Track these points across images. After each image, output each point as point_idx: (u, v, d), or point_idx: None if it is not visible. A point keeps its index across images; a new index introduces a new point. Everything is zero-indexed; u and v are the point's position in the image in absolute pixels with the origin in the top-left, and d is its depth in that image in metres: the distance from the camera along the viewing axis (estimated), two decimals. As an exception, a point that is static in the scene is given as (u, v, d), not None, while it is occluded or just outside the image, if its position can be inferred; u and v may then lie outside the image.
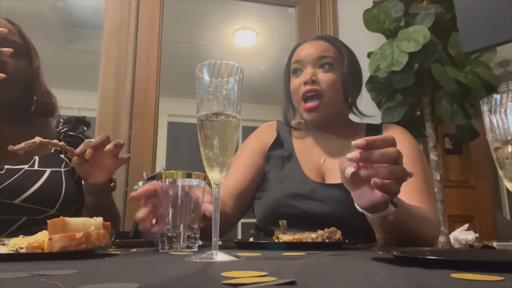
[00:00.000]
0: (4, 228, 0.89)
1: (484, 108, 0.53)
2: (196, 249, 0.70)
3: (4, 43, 0.94)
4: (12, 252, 0.51)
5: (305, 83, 1.03)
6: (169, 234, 0.70)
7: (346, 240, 0.80)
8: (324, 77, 1.04)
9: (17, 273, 0.35)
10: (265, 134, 1.18)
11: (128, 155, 0.97)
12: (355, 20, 2.15)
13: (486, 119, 0.53)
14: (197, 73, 0.56)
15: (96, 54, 2.17)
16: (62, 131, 1.08)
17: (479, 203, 2.34)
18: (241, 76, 0.57)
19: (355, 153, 0.64)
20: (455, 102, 1.94)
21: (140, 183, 1.91)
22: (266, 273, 0.35)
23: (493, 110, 0.52)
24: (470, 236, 1.04)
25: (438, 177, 1.94)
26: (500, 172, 0.52)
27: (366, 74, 1.96)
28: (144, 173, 1.92)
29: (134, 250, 0.72)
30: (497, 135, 0.51)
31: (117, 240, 0.79)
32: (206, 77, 0.55)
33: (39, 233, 0.55)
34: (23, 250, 0.51)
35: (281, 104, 1.18)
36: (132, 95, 1.99)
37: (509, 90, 0.57)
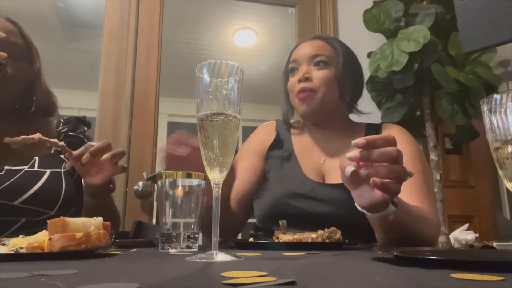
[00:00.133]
0: (3, 229, 0.88)
1: (484, 108, 0.53)
2: (196, 249, 0.70)
3: (5, 45, 0.94)
4: (12, 252, 0.51)
5: (299, 80, 1.05)
6: (169, 234, 0.70)
7: (346, 240, 0.80)
8: (318, 74, 1.05)
9: (17, 273, 0.35)
10: (265, 134, 1.18)
11: (125, 165, 0.96)
12: (355, 20, 2.15)
13: (486, 119, 0.53)
14: (197, 73, 0.56)
15: (96, 54, 2.17)
16: (62, 131, 1.07)
17: (479, 203, 2.34)
18: (241, 76, 0.57)
19: (355, 152, 0.64)
20: (455, 102, 1.94)
21: (140, 183, 1.92)
22: (266, 273, 0.35)
23: (493, 110, 0.52)
24: (470, 236, 1.04)
25: (438, 177, 1.94)
26: (500, 172, 0.52)
27: (366, 74, 1.96)
28: (144, 173, 1.92)
29: (134, 250, 0.72)
30: (497, 135, 0.51)
31: (117, 240, 0.79)
32: (206, 77, 0.55)
33: (39, 233, 0.55)
34: (23, 250, 0.51)
35: (281, 104, 1.19)
36: (132, 95, 1.99)
37: (509, 90, 0.57)
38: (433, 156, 1.97)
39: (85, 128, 1.12)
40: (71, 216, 0.95)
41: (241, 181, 1.09)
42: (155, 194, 1.86)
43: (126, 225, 1.78)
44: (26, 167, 0.95)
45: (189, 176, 0.74)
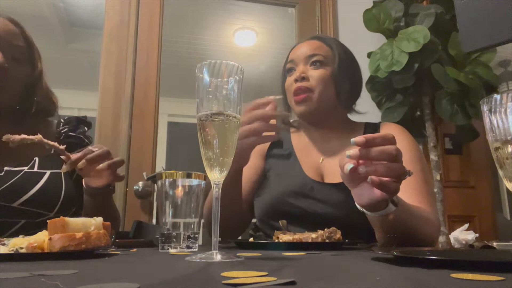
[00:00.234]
0: (2, 231, 0.88)
1: (484, 108, 0.53)
2: (196, 249, 0.70)
3: (7, 48, 0.94)
4: (12, 252, 0.51)
5: (296, 80, 1.06)
6: (169, 234, 0.70)
7: (346, 240, 0.80)
8: (314, 73, 1.06)
9: (17, 273, 0.35)
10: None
11: (123, 174, 0.95)
12: (355, 20, 2.15)
13: (486, 119, 0.53)
14: (197, 73, 0.56)
15: (96, 54, 2.17)
16: (62, 131, 1.07)
17: (479, 203, 2.34)
18: (241, 76, 0.57)
19: (354, 150, 0.64)
20: (455, 102, 1.94)
21: (140, 183, 1.92)
22: (266, 273, 0.35)
23: (493, 110, 0.52)
24: (470, 236, 1.04)
25: (438, 177, 1.94)
26: (500, 172, 0.52)
27: (366, 74, 1.96)
28: (144, 173, 1.92)
29: (134, 250, 0.72)
30: (497, 135, 0.51)
31: (117, 240, 0.79)
32: (206, 77, 0.55)
33: (39, 233, 0.55)
34: (23, 250, 0.51)
35: (280, 105, 1.19)
36: (132, 95, 1.99)
37: (509, 90, 0.57)
38: (433, 156, 1.97)
39: (86, 128, 1.11)
40: (71, 217, 0.95)
41: (244, 181, 1.09)
42: (155, 194, 1.86)
43: (126, 225, 1.78)
44: (26, 168, 0.94)
45: (189, 176, 0.74)
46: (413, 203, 0.85)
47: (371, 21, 2.03)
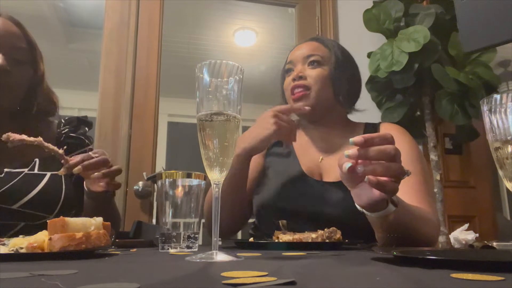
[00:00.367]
0: (2, 233, 0.87)
1: (484, 108, 0.53)
2: (196, 249, 0.70)
3: (9, 50, 0.93)
4: (12, 252, 0.51)
5: (294, 79, 1.07)
6: (169, 234, 0.70)
7: (346, 240, 0.80)
8: (312, 72, 1.07)
9: (17, 273, 0.35)
10: None
11: (119, 182, 0.94)
12: (355, 20, 2.15)
13: (486, 119, 0.53)
14: (197, 73, 0.56)
15: (96, 54, 2.17)
16: (63, 132, 1.07)
17: (479, 203, 2.34)
18: (241, 76, 0.57)
19: (353, 150, 0.64)
20: (455, 102, 1.94)
21: (140, 183, 1.92)
22: (266, 273, 0.35)
23: (493, 110, 0.52)
24: (470, 236, 1.04)
25: (438, 177, 1.94)
26: (500, 172, 0.53)
27: (366, 74, 1.96)
28: (144, 173, 1.92)
29: (134, 250, 0.72)
30: (497, 135, 0.51)
31: (117, 240, 0.79)
32: (206, 77, 0.56)
33: (39, 233, 0.55)
34: (23, 250, 0.51)
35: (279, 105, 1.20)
36: (132, 95, 1.99)
37: (509, 90, 0.57)
38: (433, 156, 1.97)
39: (86, 128, 1.11)
40: (71, 217, 0.95)
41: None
42: (155, 194, 1.86)
43: (126, 225, 1.78)
44: (26, 170, 0.94)
45: (189, 176, 0.74)
46: (413, 203, 0.85)
47: (371, 21, 2.03)
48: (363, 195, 0.67)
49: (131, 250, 0.72)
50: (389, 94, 2.07)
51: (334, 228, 0.79)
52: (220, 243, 0.86)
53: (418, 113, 2.11)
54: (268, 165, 1.13)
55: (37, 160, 0.97)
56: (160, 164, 3.19)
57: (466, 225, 1.09)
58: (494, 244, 0.84)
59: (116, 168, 0.90)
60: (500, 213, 3.19)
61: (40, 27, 3.14)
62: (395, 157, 0.63)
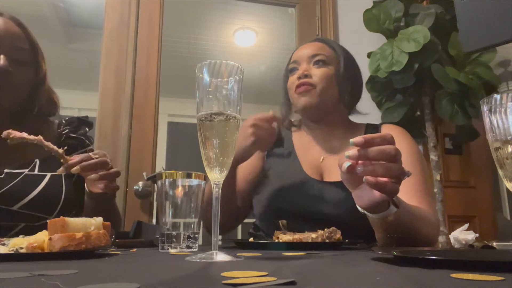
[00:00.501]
0: (1, 234, 0.87)
1: (484, 108, 0.53)
2: (196, 249, 0.70)
3: (11, 51, 0.93)
4: (12, 252, 0.51)
5: (299, 77, 1.07)
6: (169, 234, 0.70)
7: (346, 240, 0.80)
8: (317, 71, 1.08)
9: (17, 273, 0.35)
10: None
11: (117, 185, 0.93)
12: (355, 20, 2.15)
13: (486, 119, 0.53)
14: (197, 73, 0.56)
15: (96, 54, 2.17)
16: (64, 132, 1.07)
17: (479, 203, 2.34)
18: (241, 76, 0.57)
19: (353, 150, 0.64)
20: (455, 102, 1.94)
21: (140, 183, 1.92)
22: (266, 273, 0.35)
23: (493, 110, 0.52)
24: (470, 236, 1.04)
25: (438, 177, 1.94)
26: (500, 172, 0.53)
27: (366, 74, 1.96)
28: (144, 173, 1.92)
29: (134, 250, 0.72)
30: (497, 135, 0.51)
31: (117, 240, 0.79)
32: (206, 77, 0.55)
33: (39, 233, 0.55)
34: (23, 250, 0.51)
35: (280, 104, 1.20)
36: (132, 95, 1.99)
37: (509, 90, 0.57)
38: (433, 156, 1.97)
39: (87, 129, 1.11)
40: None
41: (239, 179, 1.09)
42: (155, 194, 1.86)
43: (126, 225, 1.78)
44: (26, 171, 0.94)
45: (189, 176, 0.74)
46: (413, 203, 0.85)
47: (371, 21, 2.03)
48: (364, 197, 0.67)
49: (131, 250, 0.72)
50: (389, 94, 2.07)
51: (334, 228, 0.79)
52: (220, 243, 0.86)
53: (418, 113, 2.11)
54: (269, 165, 1.13)
55: (37, 161, 0.96)
56: (160, 164, 3.19)
57: (466, 225, 1.09)
58: (494, 244, 0.84)
59: (114, 171, 0.89)
60: (500, 213, 3.19)
61: (40, 27, 3.13)
62: (395, 157, 0.63)
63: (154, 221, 1.88)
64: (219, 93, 0.55)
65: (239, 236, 3.81)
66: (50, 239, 0.51)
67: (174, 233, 0.70)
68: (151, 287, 0.30)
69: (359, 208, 0.71)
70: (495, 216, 2.39)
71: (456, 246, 1.05)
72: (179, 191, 0.72)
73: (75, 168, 0.84)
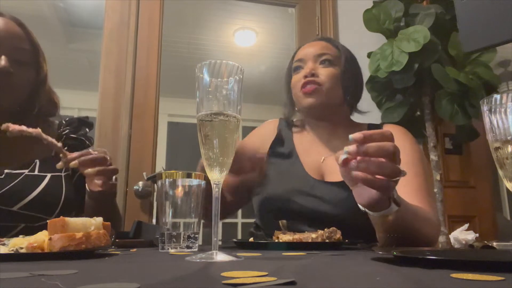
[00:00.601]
0: (1, 235, 0.87)
1: (484, 108, 0.53)
2: (196, 249, 0.70)
3: (12, 52, 0.93)
4: (12, 252, 0.51)
5: (305, 76, 1.07)
6: (169, 234, 0.70)
7: (346, 240, 0.80)
8: (324, 71, 1.08)
9: (17, 273, 0.35)
10: (267, 133, 1.19)
11: (115, 183, 0.92)
12: (355, 20, 2.15)
13: (486, 119, 0.53)
14: (197, 73, 0.56)
15: (96, 54, 2.17)
16: (64, 133, 1.07)
17: (479, 203, 2.34)
18: (241, 76, 0.57)
19: (352, 146, 0.64)
20: (455, 102, 1.94)
21: (140, 183, 1.92)
22: (266, 273, 0.35)
23: (493, 110, 0.52)
24: (470, 236, 1.04)
25: (438, 177, 1.94)
26: (500, 172, 0.53)
27: (366, 74, 1.96)
28: (144, 173, 1.92)
29: (134, 250, 0.72)
30: (497, 135, 0.51)
31: (117, 240, 0.79)
32: (206, 77, 0.56)
33: (39, 233, 0.55)
34: (23, 250, 0.51)
35: (281, 104, 1.20)
36: (132, 95, 1.99)
37: (509, 90, 0.57)
38: (433, 156, 1.97)
39: (87, 129, 1.11)
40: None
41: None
42: (155, 194, 1.86)
43: (126, 225, 1.78)
44: (26, 171, 0.93)
45: (189, 176, 0.74)
46: (413, 203, 0.85)
47: (371, 21, 2.03)
48: (363, 194, 0.67)
49: (131, 250, 0.72)
50: (389, 94, 2.07)
51: (334, 228, 0.79)
52: (220, 243, 0.86)
53: (418, 113, 2.11)
54: (270, 165, 1.13)
55: (37, 161, 0.96)
56: (160, 164, 3.19)
57: (466, 225, 1.09)
58: (494, 244, 0.84)
59: (112, 167, 0.89)
60: (500, 213, 3.19)
61: (40, 27, 3.12)
62: (394, 154, 0.63)
63: (154, 221, 1.88)
64: (219, 93, 0.55)
65: (239, 236, 3.81)
66: (50, 239, 0.51)
67: (174, 233, 0.70)
68: (151, 287, 0.30)
69: (360, 206, 0.71)
70: (495, 216, 2.39)
71: (456, 246, 1.05)
72: (179, 191, 0.72)
73: (73, 162, 0.84)
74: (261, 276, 0.34)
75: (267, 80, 3.74)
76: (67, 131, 1.07)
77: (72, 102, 3.51)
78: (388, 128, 1.12)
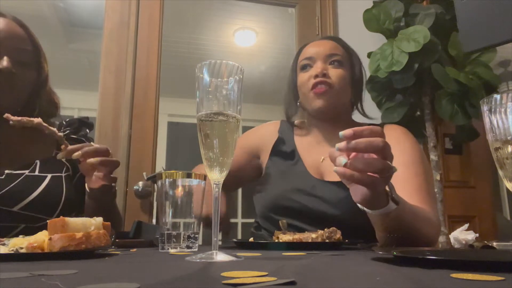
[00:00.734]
0: (1, 236, 0.87)
1: (484, 108, 0.53)
2: (196, 249, 0.70)
3: (14, 52, 0.93)
4: (12, 252, 0.51)
5: (316, 76, 1.06)
6: (169, 234, 0.70)
7: (346, 240, 0.80)
8: (335, 72, 1.07)
9: (17, 273, 0.35)
10: (267, 134, 1.20)
11: (116, 176, 0.92)
12: (355, 20, 2.15)
13: (486, 119, 0.53)
14: (197, 73, 0.56)
15: (96, 54, 2.17)
16: (64, 133, 1.07)
17: (479, 203, 2.34)
18: (241, 76, 0.57)
19: (343, 143, 0.64)
20: (455, 102, 1.94)
21: (140, 183, 1.93)
22: (266, 273, 0.35)
23: (493, 110, 0.52)
24: (470, 236, 1.04)
25: (438, 177, 1.94)
26: (500, 172, 0.53)
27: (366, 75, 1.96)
28: (144, 173, 1.92)
29: (134, 250, 0.72)
30: (497, 135, 0.51)
31: (117, 240, 0.79)
32: (206, 77, 0.56)
33: (39, 233, 0.55)
34: (23, 250, 0.51)
35: (282, 103, 1.20)
36: (132, 95, 1.99)
37: (509, 90, 0.57)
38: (433, 156, 1.97)
39: (87, 130, 1.11)
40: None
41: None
42: (155, 194, 1.86)
43: (126, 225, 1.78)
44: (27, 172, 0.93)
45: (189, 176, 0.74)
46: (414, 203, 0.85)
47: (371, 21, 2.02)
48: (357, 191, 0.68)
49: (131, 250, 0.72)
50: (389, 94, 2.07)
51: (334, 228, 0.79)
52: (220, 243, 0.86)
53: (418, 113, 2.11)
54: (271, 164, 1.13)
55: (37, 162, 0.96)
56: (160, 164, 3.19)
57: (466, 225, 1.09)
58: (494, 244, 0.84)
59: (114, 159, 0.89)
60: (500, 213, 3.19)
61: (40, 27, 3.11)
62: (383, 149, 0.63)
63: (154, 221, 1.88)
64: (219, 93, 0.55)
65: (240, 236, 3.81)
66: (50, 239, 0.51)
67: (174, 233, 0.70)
68: (151, 287, 0.30)
69: (359, 205, 0.71)
70: (495, 216, 2.39)
71: (456, 246, 1.05)
72: (179, 191, 0.72)
73: (77, 153, 0.83)
74: (261, 276, 0.34)
75: (267, 80, 3.74)
76: (68, 131, 1.07)
77: (72, 102, 3.51)
78: (389, 128, 1.12)
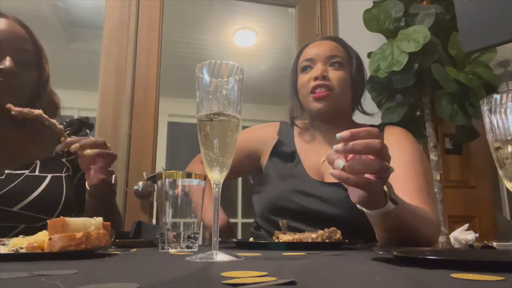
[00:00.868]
0: (1, 236, 0.87)
1: (484, 108, 0.53)
2: (196, 249, 0.70)
3: (16, 53, 0.93)
4: (12, 252, 0.51)
5: (316, 78, 1.05)
6: (169, 234, 0.70)
7: (346, 240, 0.80)
8: (335, 74, 1.06)
9: (17, 273, 0.35)
10: (267, 135, 1.19)
11: (113, 170, 0.92)
12: (355, 20, 2.15)
13: (486, 119, 0.53)
14: (197, 73, 0.56)
15: (96, 54, 2.17)
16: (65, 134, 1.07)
17: (479, 203, 2.34)
18: (241, 76, 0.57)
19: (340, 145, 0.64)
20: (455, 102, 1.94)
21: (140, 183, 1.93)
22: (266, 273, 0.35)
23: (493, 110, 0.52)
24: (470, 236, 1.04)
25: (438, 177, 1.94)
26: (500, 172, 0.53)
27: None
28: (144, 173, 1.92)
29: (134, 250, 0.72)
30: (497, 135, 0.51)
31: (117, 240, 0.79)
32: (206, 77, 0.56)
33: (39, 233, 0.55)
34: (23, 250, 0.51)
35: (284, 104, 1.20)
36: (132, 95, 1.99)
37: (509, 90, 0.57)
38: (433, 156, 1.97)
39: (88, 130, 1.11)
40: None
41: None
42: (155, 194, 1.86)
43: (126, 225, 1.78)
44: (27, 172, 0.93)
45: (189, 176, 0.74)
46: (414, 203, 0.85)
47: (371, 21, 2.02)
48: (354, 192, 0.68)
49: (131, 250, 0.72)
50: (389, 94, 2.07)
51: (334, 228, 0.79)
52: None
53: (418, 113, 2.11)
54: (271, 165, 1.13)
55: (38, 162, 0.96)
56: (160, 164, 3.19)
57: (466, 225, 1.09)
58: (494, 244, 0.84)
59: (111, 151, 0.89)
60: (500, 213, 3.19)
61: (40, 27, 3.11)
62: (380, 151, 0.63)
63: (154, 221, 1.88)
64: (219, 93, 0.55)
65: (240, 236, 3.81)
66: (50, 239, 0.51)
67: (174, 233, 0.70)
68: (151, 287, 0.30)
69: (358, 206, 0.72)
70: (495, 216, 2.39)
71: (456, 246, 1.05)
72: (179, 191, 0.72)
73: (75, 145, 0.83)
74: (261, 276, 0.34)
75: (267, 80, 3.74)
76: (68, 132, 1.07)
77: (72, 102, 3.51)
78: (389, 129, 1.12)
